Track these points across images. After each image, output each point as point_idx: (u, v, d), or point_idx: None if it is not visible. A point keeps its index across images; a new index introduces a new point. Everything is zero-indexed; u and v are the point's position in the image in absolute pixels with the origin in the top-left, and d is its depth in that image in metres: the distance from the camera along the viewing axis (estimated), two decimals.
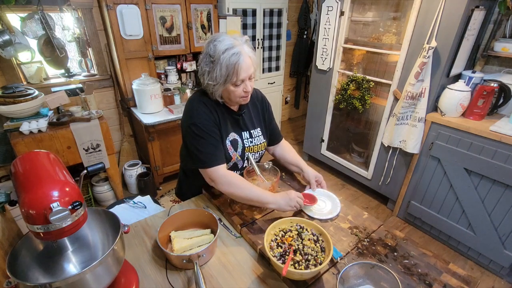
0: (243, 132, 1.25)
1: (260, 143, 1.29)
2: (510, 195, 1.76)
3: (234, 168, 1.27)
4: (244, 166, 1.29)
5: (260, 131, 1.30)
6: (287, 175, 1.41)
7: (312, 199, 1.18)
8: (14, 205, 0.74)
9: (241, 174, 1.30)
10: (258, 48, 3.31)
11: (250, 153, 1.27)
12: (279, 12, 3.32)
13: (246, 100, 1.16)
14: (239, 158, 1.25)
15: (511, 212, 1.78)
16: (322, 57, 2.69)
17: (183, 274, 0.91)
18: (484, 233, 1.93)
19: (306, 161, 3.37)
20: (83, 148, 2.10)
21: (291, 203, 1.08)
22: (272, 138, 1.40)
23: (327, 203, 1.22)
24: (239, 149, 1.24)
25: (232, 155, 1.22)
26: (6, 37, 1.90)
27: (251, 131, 1.27)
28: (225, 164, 1.15)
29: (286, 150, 1.41)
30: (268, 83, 3.62)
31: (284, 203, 1.08)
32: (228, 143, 1.20)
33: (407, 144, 2.17)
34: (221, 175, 1.09)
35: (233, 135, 1.22)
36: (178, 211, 1.05)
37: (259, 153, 1.31)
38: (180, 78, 2.85)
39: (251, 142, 1.27)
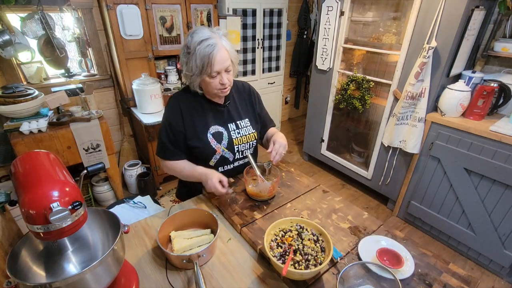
0: (229, 124, 1.26)
1: (249, 134, 1.30)
2: (510, 195, 1.76)
3: (223, 162, 1.28)
4: (235, 158, 1.30)
5: (248, 122, 1.31)
6: (287, 175, 1.41)
7: (397, 261, 0.90)
8: (14, 205, 0.74)
9: (234, 168, 1.34)
10: (258, 48, 3.31)
11: (240, 144, 1.28)
12: (279, 12, 3.32)
13: (224, 92, 1.17)
14: (226, 150, 1.26)
15: (511, 212, 1.78)
16: (322, 57, 2.69)
17: (183, 274, 0.91)
18: (484, 233, 1.93)
19: (306, 161, 3.38)
20: (83, 148, 2.10)
21: (207, 186, 1.15)
22: (263, 125, 1.42)
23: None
24: (225, 142, 1.25)
25: (215, 147, 1.23)
26: (6, 37, 1.90)
27: (237, 122, 1.28)
28: (179, 160, 1.24)
29: (270, 130, 1.44)
30: (268, 83, 3.62)
31: (204, 181, 1.17)
32: (209, 136, 1.22)
33: (407, 144, 2.17)
34: (169, 165, 1.25)
35: (215, 128, 1.23)
36: (178, 211, 1.05)
37: (250, 144, 1.31)
38: (180, 78, 2.85)
39: (239, 133, 1.28)
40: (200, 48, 1.04)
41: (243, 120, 1.30)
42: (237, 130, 1.28)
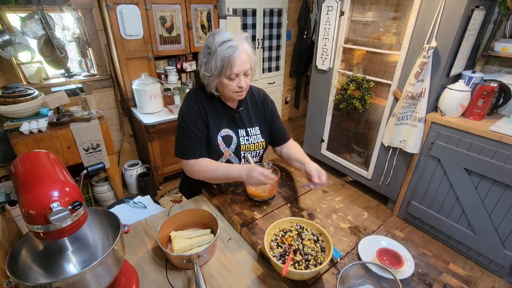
0: (239, 130, 1.25)
1: (257, 142, 1.28)
2: (510, 195, 1.76)
3: None
4: (240, 164, 1.29)
5: (258, 130, 1.30)
6: (287, 175, 1.41)
7: (397, 261, 0.90)
8: (14, 205, 0.74)
9: None
10: (258, 48, 3.31)
11: (247, 151, 1.27)
12: (279, 12, 3.32)
13: (240, 96, 1.16)
14: (233, 155, 1.25)
15: (511, 212, 1.78)
16: (322, 57, 2.69)
17: (183, 274, 0.91)
18: (484, 233, 1.93)
19: None
20: (83, 148, 2.10)
21: (252, 180, 1.08)
22: (278, 137, 1.36)
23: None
24: (233, 146, 1.24)
25: (223, 150, 1.22)
26: (6, 37, 1.90)
27: (248, 129, 1.27)
28: (202, 158, 1.18)
29: (292, 148, 1.35)
30: (268, 83, 3.62)
31: (245, 177, 1.09)
32: (219, 138, 1.21)
33: (407, 144, 2.17)
34: (193, 165, 1.17)
35: (226, 131, 1.22)
36: (178, 211, 1.05)
37: (257, 152, 1.30)
38: (180, 78, 2.85)
39: (247, 140, 1.26)
40: (222, 49, 1.04)
41: (253, 128, 1.28)
42: (247, 137, 1.26)
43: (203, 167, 1.16)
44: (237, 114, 1.24)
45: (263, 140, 1.30)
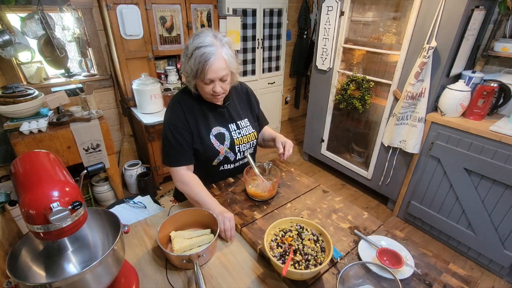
0: (229, 125, 1.27)
1: (249, 133, 1.31)
2: (510, 195, 1.76)
3: (225, 161, 1.28)
4: (237, 158, 1.30)
5: (248, 122, 1.32)
6: (287, 175, 1.41)
7: (397, 261, 0.90)
8: (14, 205, 0.74)
9: (235, 168, 1.33)
10: (258, 48, 3.31)
11: (241, 144, 1.28)
12: (279, 12, 3.32)
13: (216, 100, 1.18)
14: (228, 151, 1.26)
15: (511, 212, 1.78)
16: (322, 57, 2.69)
17: (183, 274, 0.91)
18: (484, 233, 1.93)
19: (306, 161, 3.38)
20: (83, 148, 2.10)
21: (220, 225, 1.01)
22: (259, 124, 1.43)
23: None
24: (227, 142, 1.25)
25: (218, 149, 1.23)
26: (6, 37, 1.89)
27: (238, 122, 1.29)
28: (188, 165, 1.20)
29: (264, 130, 1.47)
30: (268, 83, 3.62)
31: (220, 220, 1.02)
32: (212, 138, 1.21)
33: (407, 144, 2.17)
34: (180, 174, 1.18)
35: (218, 129, 1.24)
36: (178, 211, 1.05)
37: (250, 144, 1.32)
38: (180, 78, 2.85)
39: (239, 133, 1.28)
40: (197, 54, 1.04)
41: (243, 120, 1.31)
42: (238, 130, 1.28)
43: (186, 182, 1.15)
44: (225, 109, 1.26)
45: (253, 130, 1.33)
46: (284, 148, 1.26)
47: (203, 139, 1.20)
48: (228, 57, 1.08)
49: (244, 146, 1.29)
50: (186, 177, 1.17)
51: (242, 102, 1.34)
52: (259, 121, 1.43)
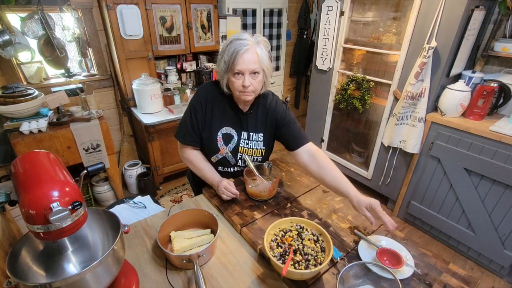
0: (242, 132, 1.26)
1: (257, 148, 1.28)
2: (510, 195, 1.76)
3: (223, 163, 1.28)
4: (237, 163, 1.30)
5: (261, 137, 1.28)
6: (287, 175, 1.41)
7: (397, 261, 0.89)
8: (14, 205, 0.74)
9: (233, 172, 1.34)
10: None
11: (245, 154, 1.27)
12: (279, 12, 3.32)
13: (245, 96, 1.12)
14: (230, 154, 1.26)
15: (511, 212, 1.78)
16: (322, 57, 2.69)
17: (183, 274, 0.91)
18: (484, 233, 1.93)
19: None
20: (83, 148, 2.10)
21: (218, 192, 1.20)
22: (292, 142, 1.24)
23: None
24: (231, 145, 1.25)
25: (220, 147, 1.23)
26: (6, 37, 1.89)
27: (251, 134, 1.27)
28: (193, 147, 1.28)
29: (323, 166, 1.15)
30: None
31: (216, 187, 1.21)
32: (219, 134, 1.23)
33: (407, 144, 2.17)
34: (183, 151, 1.29)
35: (228, 130, 1.24)
36: (178, 211, 1.05)
37: (254, 158, 1.29)
38: (180, 78, 2.85)
39: (247, 144, 1.27)
40: (231, 46, 1.07)
41: (257, 134, 1.27)
42: (247, 141, 1.26)
43: (190, 160, 1.28)
44: (245, 117, 1.24)
45: (263, 148, 1.29)
46: (372, 212, 1.00)
47: (211, 131, 1.22)
48: (261, 54, 1.09)
49: (247, 157, 1.28)
50: (190, 155, 1.27)
51: (265, 117, 1.26)
52: (292, 138, 1.24)
